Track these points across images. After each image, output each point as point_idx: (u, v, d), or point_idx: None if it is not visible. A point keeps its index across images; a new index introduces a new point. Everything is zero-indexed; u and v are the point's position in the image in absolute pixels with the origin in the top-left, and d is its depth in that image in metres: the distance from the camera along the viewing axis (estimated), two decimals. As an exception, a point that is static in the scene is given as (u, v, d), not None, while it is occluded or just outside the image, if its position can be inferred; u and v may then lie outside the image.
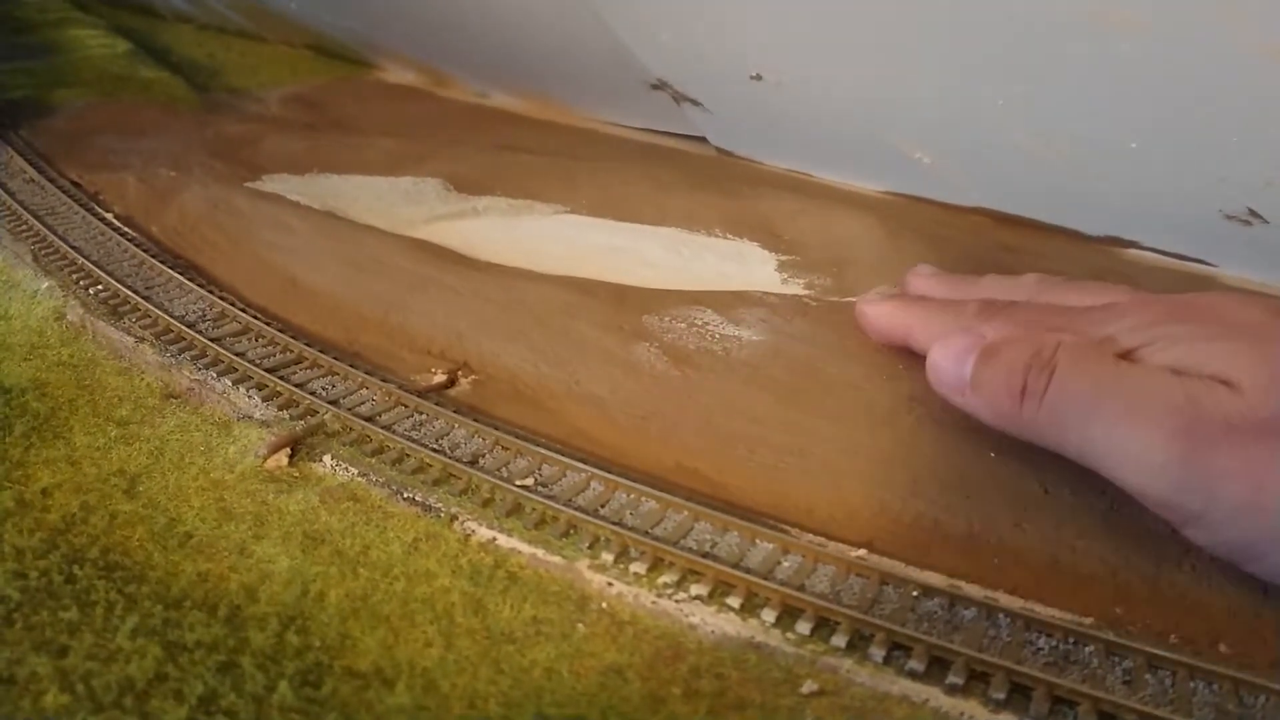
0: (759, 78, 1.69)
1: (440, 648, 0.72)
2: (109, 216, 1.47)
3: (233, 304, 1.20)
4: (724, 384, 1.04)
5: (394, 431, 0.95)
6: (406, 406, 1.01)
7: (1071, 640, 0.73)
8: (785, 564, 0.80)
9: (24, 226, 1.38)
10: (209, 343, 1.09)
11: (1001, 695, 0.67)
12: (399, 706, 0.66)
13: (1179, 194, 1.37)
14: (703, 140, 2.04)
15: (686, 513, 0.86)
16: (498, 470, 0.91)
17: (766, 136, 1.89)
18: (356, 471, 0.90)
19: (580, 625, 0.74)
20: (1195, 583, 0.78)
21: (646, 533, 0.82)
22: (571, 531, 0.84)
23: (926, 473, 0.88)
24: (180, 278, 1.26)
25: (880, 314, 1.03)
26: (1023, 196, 1.59)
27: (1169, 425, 0.71)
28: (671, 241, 1.52)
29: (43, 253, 1.29)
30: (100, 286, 1.22)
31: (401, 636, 0.72)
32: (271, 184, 1.69)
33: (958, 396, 0.85)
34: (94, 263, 1.27)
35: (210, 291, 1.23)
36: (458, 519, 0.84)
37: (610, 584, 0.78)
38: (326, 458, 0.92)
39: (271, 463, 0.91)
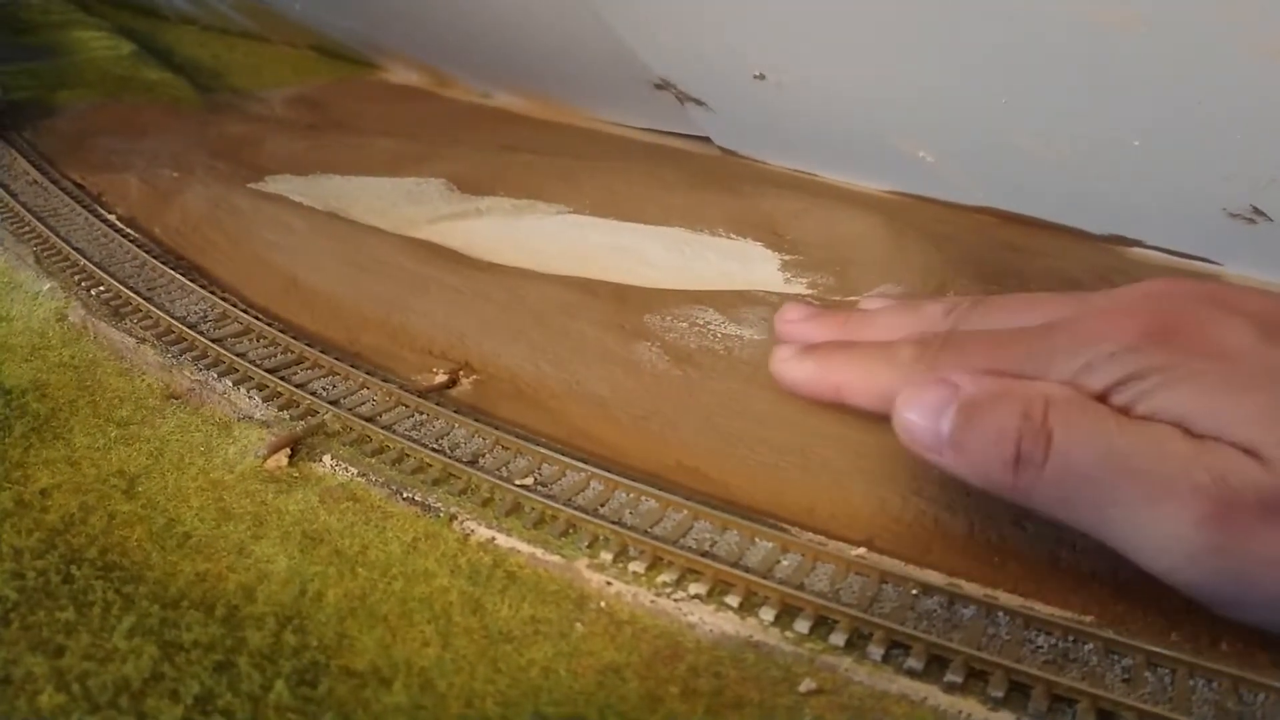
0: (762, 77, 1.69)
1: (438, 647, 0.71)
2: (111, 218, 1.47)
3: (234, 304, 1.20)
4: (725, 383, 1.04)
5: (394, 431, 0.95)
6: (407, 406, 1.01)
7: (1071, 638, 0.72)
8: (784, 563, 0.80)
9: (26, 228, 1.38)
10: (210, 343, 1.09)
11: (1000, 693, 0.67)
12: (396, 706, 0.66)
13: (1183, 192, 1.36)
14: (706, 140, 2.04)
15: (686, 512, 0.85)
16: (497, 470, 0.91)
17: (769, 136, 1.89)
18: (356, 471, 0.90)
19: (578, 624, 0.74)
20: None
21: (645, 532, 0.82)
22: (570, 531, 0.84)
23: (927, 471, 0.87)
24: (182, 278, 1.26)
25: (802, 375, 0.90)
26: (1026, 195, 1.59)
27: (1197, 510, 0.64)
28: (674, 241, 1.52)
29: (45, 254, 1.30)
30: (102, 287, 1.22)
31: (399, 636, 0.72)
32: (274, 184, 1.69)
33: (935, 456, 0.76)
34: (96, 264, 1.27)
35: (212, 292, 1.23)
36: (457, 518, 0.84)
37: (609, 583, 0.78)
38: (326, 458, 0.92)
39: (271, 463, 0.91)
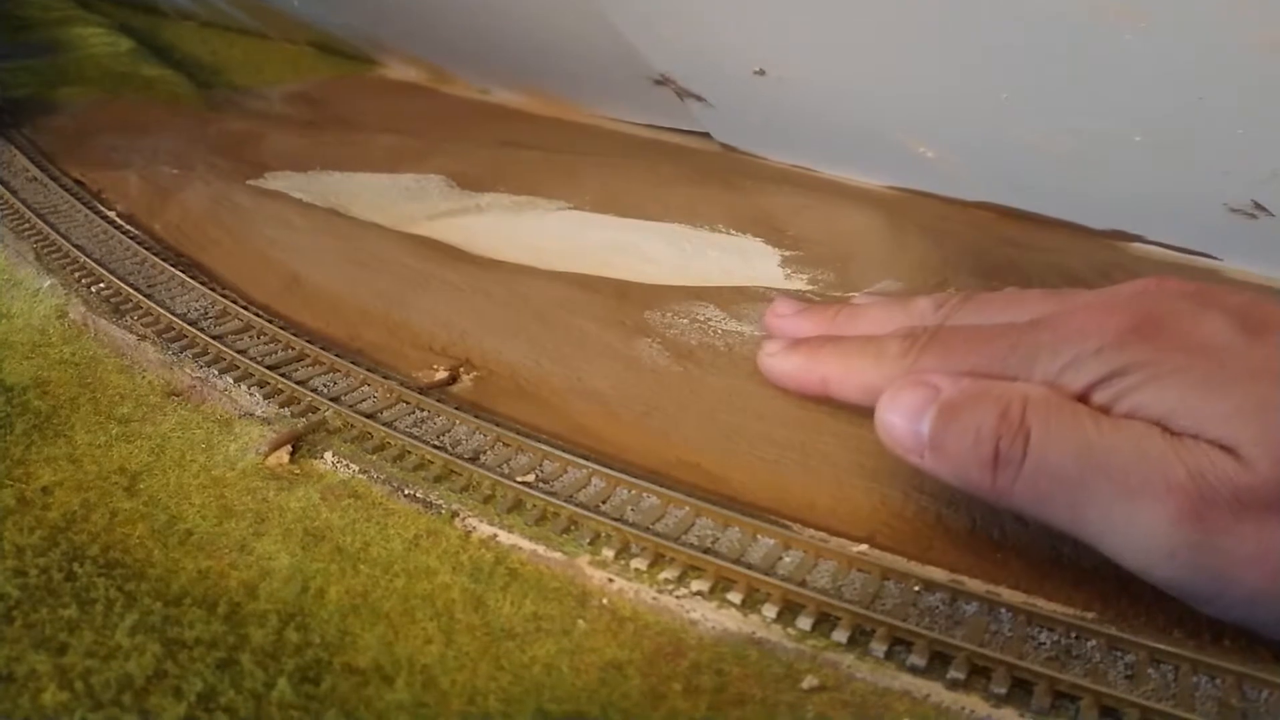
0: (762, 73, 1.69)
1: (440, 644, 0.71)
2: (111, 214, 1.46)
3: (235, 301, 1.20)
4: (726, 380, 1.04)
5: (395, 428, 0.95)
6: (408, 403, 1.01)
7: (1074, 635, 0.72)
8: (786, 559, 0.80)
9: (26, 225, 1.38)
10: (211, 340, 1.09)
11: (1003, 690, 0.67)
12: (399, 703, 0.66)
13: (1183, 187, 1.36)
14: (706, 136, 2.03)
15: (688, 509, 0.85)
16: (499, 467, 0.91)
17: (770, 131, 1.88)
18: (358, 468, 0.90)
19: (581, 621, 0.74)
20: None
21: (647, 529, 0.82)
22: (572, 527, 0.83)
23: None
24: (182, 275, 1.26)
25: (789, 368, 0.92)
26: (1026, 190, 1.59)
27: (1174, 507, 0.65)
28: (674, 237, 1.52)
29: (45, 251, 1.29)
30: (102, 284, 1.22)
31: (401, 633, 0.72)
32: (274, 181, 1.69)
33: (915, 458, 0.76)
34: (96, 261, 1.27)
35: (212, 289, 1.23)
36: (459, 515, 0.84)
37: (611, 580, 0.78)
38: (328, 455, 0.92)
39: (273, 460, 0.91)
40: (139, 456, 0.92)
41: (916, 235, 1.45)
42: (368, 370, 1.06)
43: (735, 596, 0.76)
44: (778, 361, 0.93)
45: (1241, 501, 0.63)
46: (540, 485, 0.88)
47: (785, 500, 0.90)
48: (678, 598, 0.76)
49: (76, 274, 1.24)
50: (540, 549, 0.81)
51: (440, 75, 2.51)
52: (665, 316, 1.16)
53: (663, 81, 1.92)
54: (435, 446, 0.92)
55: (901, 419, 0.76)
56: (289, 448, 0.92)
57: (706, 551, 0.79)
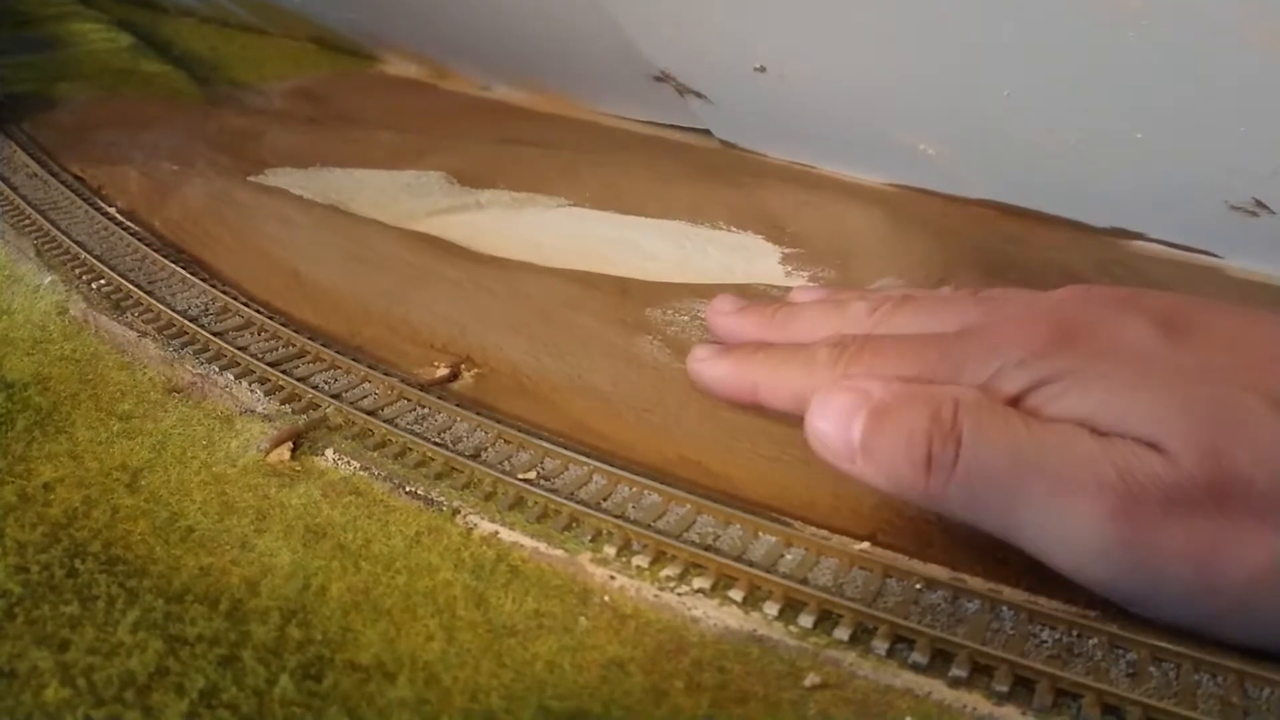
0: (763, 69, 1.69)
1: (442, 641, 0.71)
2: (111, 211, 1.46)
3: (235, 298, 1.20)
4: (727, 377, 1.04)
5: (396, 425, 0.95)
6: (409, 400, 1.01)
7: (1075, 633, 0.72)
8: (788, 557, 0.80)
9: (27, 221, 1.38)
10: (211, 337, 1.09)
11: (1005, 688, 0.67)
12: (401, 700, 0.66)
13: (1185, 185, 1.36)
14: (706, 132, 2.03)
15: (689, 506, 0.85)
16: (500, 464, 0.91)
17: (770, 128, 1.88)
18: (359, 465, 0.90)
19: (582, 619, 0.74)
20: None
21: (649, 526, 0.82)
22: (574, 525, 0.83)
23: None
24: (183, 272, 1.26)
25: (718, 375, 0.88)
26: (1028, 188, 1.59)
27: (1105, 505, 0.65)
28: (675, 234, 1.52)
29: (45, 247, 1.29)
30: (103, 281, 1.22)
31: (403, 630, 0.72)
32: (274, 178, 1.69)
33: (847, 464, 0.75)
34: (96, 257, 1.26)
35: (213, 286, 1.23)
36: (460, 513, 0.84)
37: (613, 577, 0.78)
38: (329, 452, 0.92)
39: (274, 457, 0.91)
40: (140, 453, 0.92)
41: (917, 232, 1.45)
42: (368, 367, 1.05)
43: (737, 594, 0.76)
44: (707, 368, 0.89)
45: (1170, 498, 0.64)
46: (541, 482, 0.88)
47: (787, 498, 0.90)
48: (679, 595, 0.76)
49: (77, 270, 1.24)
50: (542, 546, 0.81)
51: (440, 71, 2.51)
52: (666, 314, 1.16)
53: (663, 78, 1.92)
54: (436, 444, 0.92)
55: (831, 425, 0.76)
56: (290, 445, 0.92)
57: (708, 549, 0.79)
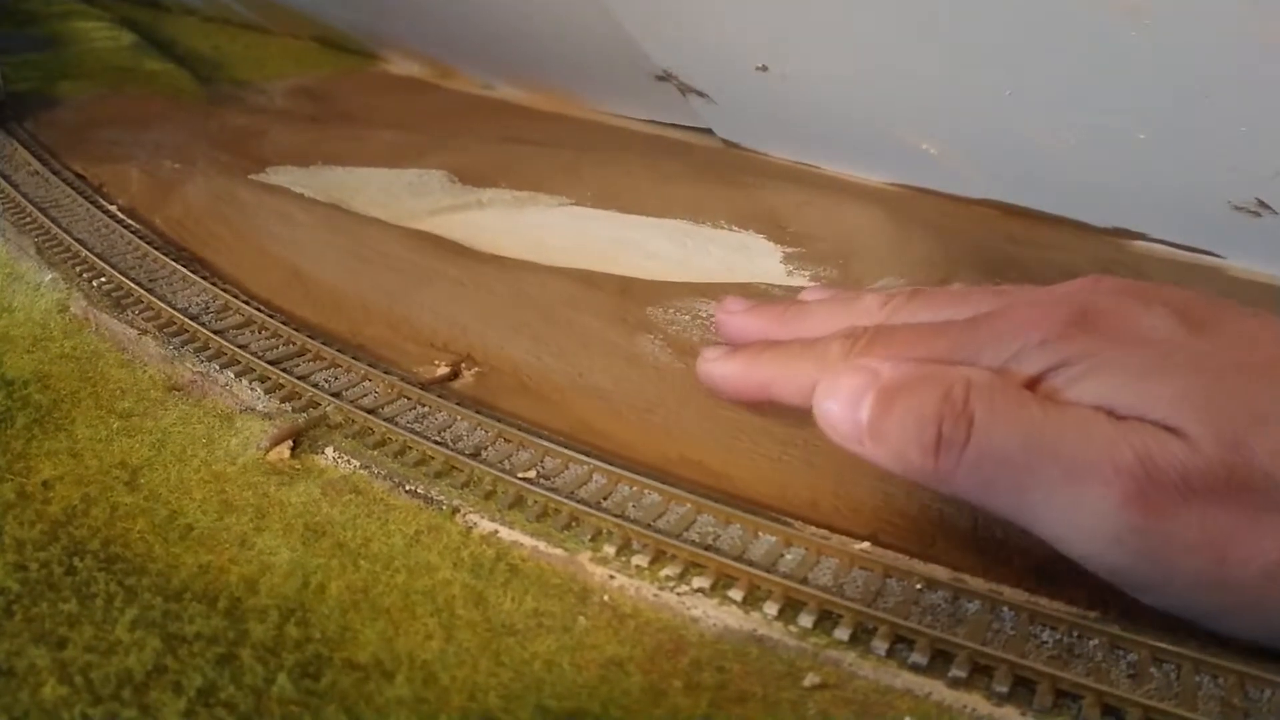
0: (765, 69, 1.69)
1: (441, 640, 0.71)
2: (113, 209, 1.46)
3: (236, 296, 1.20)
4: (728, 376, 1.04)
5: (396, 424, 0.95)
6: (409, 399, 1.01)
7: (1076, 634, 0.72)
8: (788, 557, 0.80)
9: (28, 219, 1.38)
10: (212, 335, 1.09)
11: (1005, 689, 0.67)
12: (399, 698, 0.66)
13: (1187, 185, 1.36)
14: (708, 132, 2.03)
15: (689, 505, 0.85)
16: (500, 463, 0.91)
17: (772, 128, 1.88)
18: (359, 464, 0.90)
19: (582, 618, 0.74)
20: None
21: (649, 525, 0.82)
22: (573, 524, 0.83)
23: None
24: (183, 270, 1.25)
25: (730, 374, 0.86)
26: (1030, 188, 1.59)
27: (1121, 490, 0.64)
28: (676, 233, 1.52)
29: (46, 245, 1.29)
30: (104, 279, 1.22)
31: (402, 629, 0.72)
32: (276, 176, 1.69)
33: (855, 445, 0.73)
34: (97, 255, 1.26)
35: (213, 284, 1.23)
36: (460, 511, 0.84)
37: (612, 577, 0.77)
38: (329, 450, 0.92)
39: (274, 455, 0.91)
40: (140, 451, 0.92)
41: (920, 232, 1.44)
42: (369, 366, 1.05)
43: (737, 594, 0.75)
44: (717, 367, 0.87)
45: (1188, 484, 0.63)
46: (541, 481, 0.88)
47: (787, 497, 0.89)
48: (679, 595, 0.76)
49: (78, 268, 1.24)
50: (541, 545, 0.80)
51: (442, 70, 2.51)
52: (668, 313, 1.16)
53: (665, 77, 1.92)
54: (436, 442, 0.92)
55: (839, 405, 0.74)
56: (290, 443, 0.92)
57: (708, 548, 0.79)
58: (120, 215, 1.44)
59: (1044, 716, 0.65)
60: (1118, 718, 0.66)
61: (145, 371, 1.04)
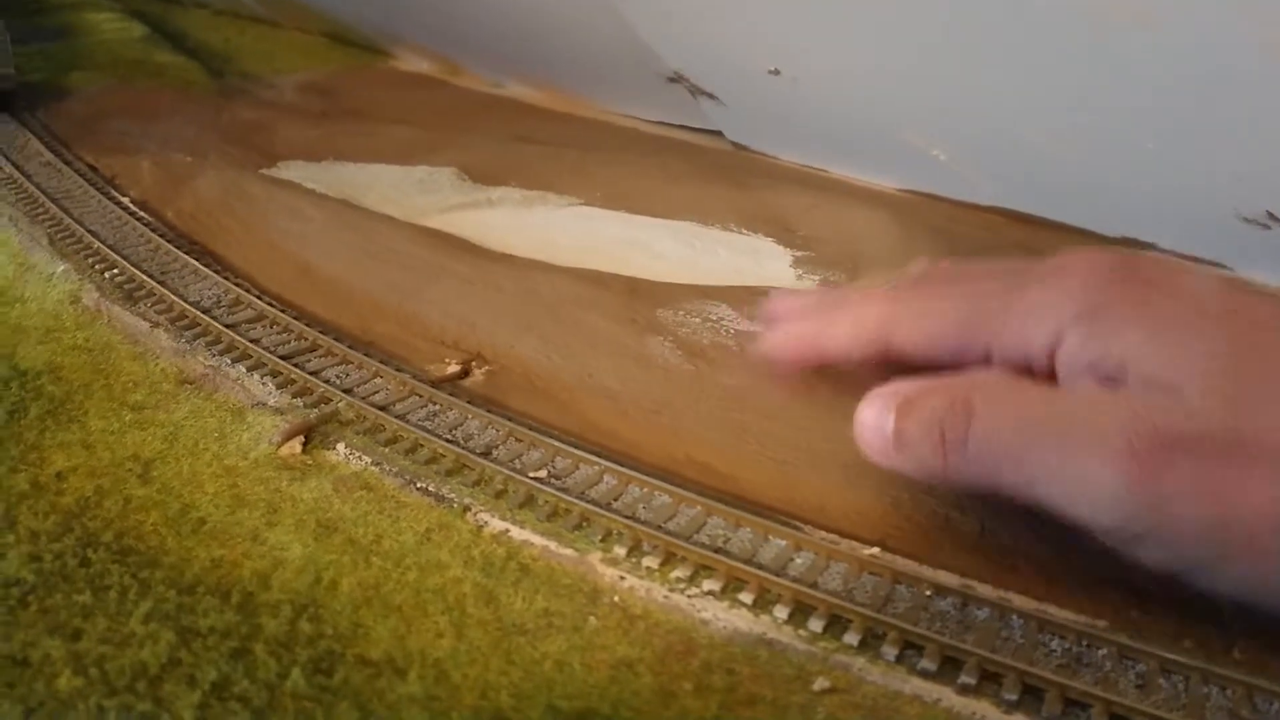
0: (776, 72, 1.69)
1: (452, 638, 0.72)
2: (125, 200, 1.47)
3: (247, 290, 1.20)
4: (737, 379, 1.04)
5: (408, 421, 0.95)
6: (420, 396, 1.01)
7: (1085, 643, 0.72)
8: (798, 561, 0.80)
9: (41, 210, 1.38)
10: (224, 329, 1.09)
11: (1014, 696, 0.67)
12: (410, 696, 0.67)
13: (1196, 195, 1.36)
14: (718, 134, 2.03)
15: (699, 508, 0.85)
16: (511, 462, 0.91)
17: (782, 131, 1.88)
18: (370, 460, 0.91)
19: (592, 618, 0.74)
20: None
21: (659, 527, 0.82)
22: (584, 524, 0.84)
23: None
24: (195, 263, 1.26)
25: (783, 337, 0.89)
26: (1038, 195, 1.59)
27: (1114, 445, 0.66)
28: (685, 235, 1.52)
29: (59, 236, 1.30)
30: (116, 271, 1.22)
31: (413, 626, 0.73)
32: (286, 171, 1.69)
33: (887, 458, 0.77)
34: (110, 247, 1.27)
35: (225, 277, 1.23)
36: (470, 510, 0.85)
37: (622, 578, 0.78)
38: (340, 446, 0.92)
39: (285, 450, 0.91)
40: (152, 444, 0.92)
41: (927, 237, 1.45)
42: (380, 362, 1.06)
43: (747, 597, 0.76)
44: (775, 335, 0.90)
45: (1181, 436, 0.65)
46: (552, 481, 0.88)
47: (796, 501, 0.90)
48: (689, 597, 0.76)
49: (90, 260, 1.24)
50: (552, 545, 0.81)
51: (453, 68, 2.51)
52: (677, 315, 1.17)
53: (676, 79, 1.92)
54: (448, 440, 0.93)
55: (870, 417, 0.77)
56: (302, 438, 0.93)
57: (718, 551, 0.80)
58: (132, 207, 1.45)
59: (1052, 724, 0.66)
60: (1125, 727, 0.66)
61: (157, 364, 1.05)
